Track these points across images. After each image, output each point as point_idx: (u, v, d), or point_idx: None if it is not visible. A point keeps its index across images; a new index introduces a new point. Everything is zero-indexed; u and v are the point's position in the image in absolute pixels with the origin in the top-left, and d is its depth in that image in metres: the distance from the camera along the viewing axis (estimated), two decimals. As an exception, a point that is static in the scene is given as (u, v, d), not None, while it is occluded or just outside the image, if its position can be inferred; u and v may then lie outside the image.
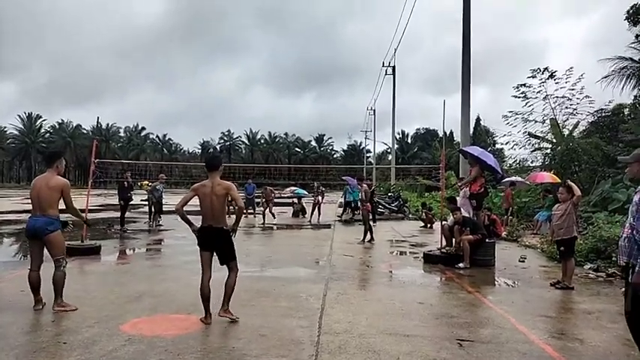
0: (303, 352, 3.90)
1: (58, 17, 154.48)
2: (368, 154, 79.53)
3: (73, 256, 8.56)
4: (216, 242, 4.74)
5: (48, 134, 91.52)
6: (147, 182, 15.90)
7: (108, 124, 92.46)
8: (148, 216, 15.18)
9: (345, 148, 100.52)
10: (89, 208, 8.70)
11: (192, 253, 9.66)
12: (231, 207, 11.15)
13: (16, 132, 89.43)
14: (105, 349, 3.88)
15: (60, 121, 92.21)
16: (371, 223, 12.14)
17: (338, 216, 19.19)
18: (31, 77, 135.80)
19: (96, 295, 5.79)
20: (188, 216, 4.89)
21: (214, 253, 4.81)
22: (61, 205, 5.20)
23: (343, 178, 20.35)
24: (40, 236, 5.04)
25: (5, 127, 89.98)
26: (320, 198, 18.28)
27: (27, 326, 4.47)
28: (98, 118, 75.56)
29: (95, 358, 3.69)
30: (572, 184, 6.73)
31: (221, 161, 4.99)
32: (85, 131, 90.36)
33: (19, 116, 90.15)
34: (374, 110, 52.44)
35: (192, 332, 4.38)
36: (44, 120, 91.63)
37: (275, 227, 15.50)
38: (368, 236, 11.50)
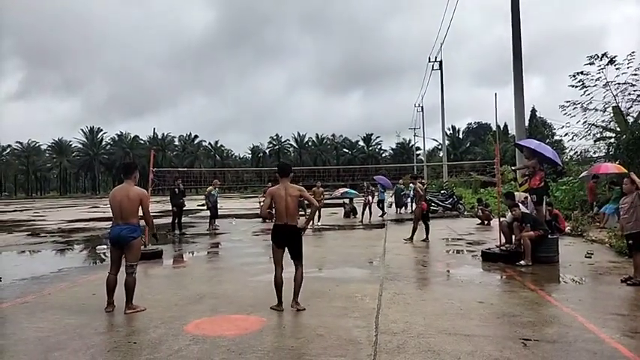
0: (361, 352, 3.90)
1: (113, 33, 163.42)
2: (418, 152, 78.23)
3: (145, 259, 9.03)
4: (289, 239, 5.25)
5: (109, 146, 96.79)
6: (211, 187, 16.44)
7: (163, 134, 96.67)
8: (208, 220, 15.70)
9: (394, 146, 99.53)
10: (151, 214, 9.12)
11: (248, 256, 9.95)
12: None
13: (80, 145, 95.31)
14: (172, 349, 4.06)
15: (119, 133, 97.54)
16: (428, 222, 11.81)
17: (379, 216, 19.14)
18: (91, 93, 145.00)
19: (160, 297, 6.06)
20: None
21: (285, 250, 5.30)
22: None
23: (374, 178, 20.24)
24: (123, 243, 5.32)
25: (70, 141, 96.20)
26: (370, 198, 18.18)
27: (100, 327, 4.75)
28: (154, 129, 79.38)
29: (163, 357, 3.87)
30: (635, 176, 6.32)
31: (291, 168, 5.59)
32: (142, 141, 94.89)
33: (82, 130, 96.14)
34: (422, 107, 51.55)
35: (252, 332, 4.49)
36: (105, 133, 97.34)
37: (327, 228, 15.58)
38: (423, 235, 11.31)
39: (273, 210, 5.39)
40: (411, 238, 11.30)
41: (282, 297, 5.28)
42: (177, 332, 4.53)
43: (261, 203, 19.13)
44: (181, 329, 4.62)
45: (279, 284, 5.27)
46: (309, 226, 5.61)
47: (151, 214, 5.77)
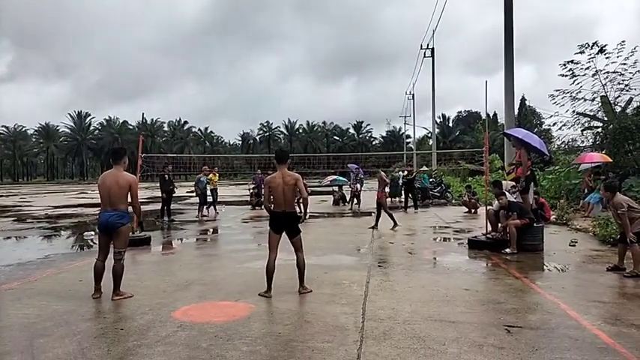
0: (347, 338, 3.95)
1: (104, 17, 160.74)
2: (408, 140, 78.42)
3: (135, 246, 8.99)
4: (287, 224, 5.41)
5: (97, 131, 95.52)
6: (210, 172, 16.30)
7: (152, 120, 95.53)
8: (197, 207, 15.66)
9: (384, 134, 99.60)
10: (139, 201, 9.05)
11: (237, 243, 9.95)
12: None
13: (67, 130, 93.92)
14: (159, 335, 4.07)
15: (107, 118, 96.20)
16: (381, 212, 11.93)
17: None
18: (80, 77, 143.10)
19: (148, 283, 6.06)
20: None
21: (282, 235, 5.46)
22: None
23: (348, 165, 20.21)
24: (111, 229, 5.29)
25: (58, 126, 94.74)
26: (359, 186, 18.23)
27: (87, 313, 4.74)
28: (143, 114, 78.50)
29: (150, 343, 3.88)
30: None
31: (288, 155, 5.63)
32: (131, 127, 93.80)
33: (70, 115, 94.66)
34: (413, 95, 51.52)
35: (240, 319, 4.51)
36: (93, 117, 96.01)
37: (316, 216, 15.61)
38: (390, 223, 11.54)
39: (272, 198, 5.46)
40: (395, 225, 11.53)
41: (272, 284, 5.37)
42: (165, 319, 4.54)
43: (251, 190, 19.10)
44: (169, 316, 4.63)
45: (271, 270, 5.37)
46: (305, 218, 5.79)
47: (140, 200, 5.73)
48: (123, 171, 5.42)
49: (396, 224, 11.56)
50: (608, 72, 16.07)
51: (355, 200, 18.01)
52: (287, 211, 5.34)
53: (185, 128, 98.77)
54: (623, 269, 6.30)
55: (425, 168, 21.53)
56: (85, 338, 4.01)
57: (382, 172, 12.27)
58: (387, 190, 12.48)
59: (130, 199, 5.42)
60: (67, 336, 4.07)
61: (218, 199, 16.96)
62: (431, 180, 24.01)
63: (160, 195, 14.43)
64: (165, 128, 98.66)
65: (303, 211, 5.65)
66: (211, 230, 12.46)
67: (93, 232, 11.17)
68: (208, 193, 16.12)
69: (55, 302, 5.17)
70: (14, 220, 15.22)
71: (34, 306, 5.03)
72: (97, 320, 4.53)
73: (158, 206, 14.99)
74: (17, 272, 6.88)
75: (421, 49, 36.60)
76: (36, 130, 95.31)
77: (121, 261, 5.36)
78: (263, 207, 5.48)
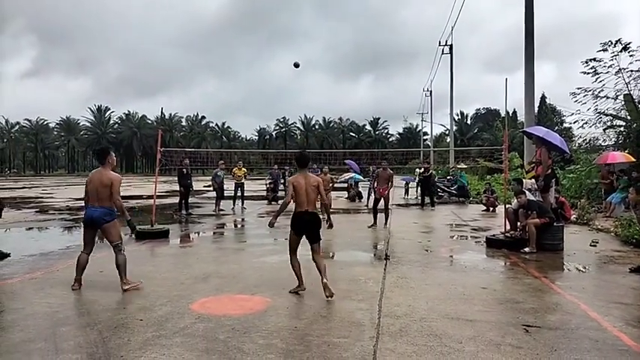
0: (364, 334, 3.95)
1: (127, 13, 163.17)
2: (425, 137, 77.76)
3: (144, 239, 9.13)
4: (310, 226, 5.34)
5: (116, 125, 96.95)
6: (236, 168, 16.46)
7: (171, 114, 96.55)
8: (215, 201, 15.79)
9: (401, 131, 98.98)
10: (157, 194, 9.20)
11: (254, 237, 10.02)
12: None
13: (88, 124, 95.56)
14: (177, 326, 4.13)
15: (127, 113, 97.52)
16: (390, 209, 11.58)
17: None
18: (101, 72, 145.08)
19: (166, 275, 6.14)
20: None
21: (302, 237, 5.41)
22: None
23: (345, 162, 20.00)
24: (96, 225, 5.49)
25: (78, 120, 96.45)
26: (375, 182, 18.13)
27: (107, 304, 4.83)
28: (162, 108, 79.40)
29: (169, 334, 3.94)
30: None
31: (309, 158, 5.71)
32: (149, 121, 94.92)
33: (90, 109, 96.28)
34: (430, 91, 51.00)
35: (257, 312, 4.55)
36: (113, 112, 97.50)
37: (332, 212, 15.61)
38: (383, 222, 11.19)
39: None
40: (373, 225, 11.15)
41: (302, 277, 5.35)
42: (183, 310, 4.60)
43: (267, 185, 19.16)
44: (187, 307, 4.69)
45: (297, 268, 5.38)
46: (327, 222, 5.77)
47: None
48: (109, 170, 5.56)
49: (375, 224, 11.14)
50: (632, 70, 15.71)
51: (372, 197, 17.93)
52: (310, 210, 5.31)
53: (203, 123, 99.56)
54: (646, 271, 6.17)
55: (463, 165, 20.75)
56: (105, 328, 4.09)
57: (389, 169, 11.82)
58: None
59: (112, 197, 5.46)
60: (88, 325, 4.16)
61: (245, 195, 16.95)
62: (448, 177, 23.80)
63: (179, 189, 14.61)
64: (184, 123, 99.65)
65: (326, 217, 5.75)
66: (228, 224, 12.56)
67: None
68: (232, 188, 16.25)
69: (76, 292, 5.28)
70: (37, 212, 15.57)
71: (56, 295, 5.15)
72: (117, 311, 4.61)
73: (176, 200, 15.16)
74: (40, 262, 7.05)
75: (439, 45, 36.22)
76: (57, 124, 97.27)
77: (122, 251, 5.50)
78: (284, 201, 5.42)
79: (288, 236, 5.49)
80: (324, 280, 5.09)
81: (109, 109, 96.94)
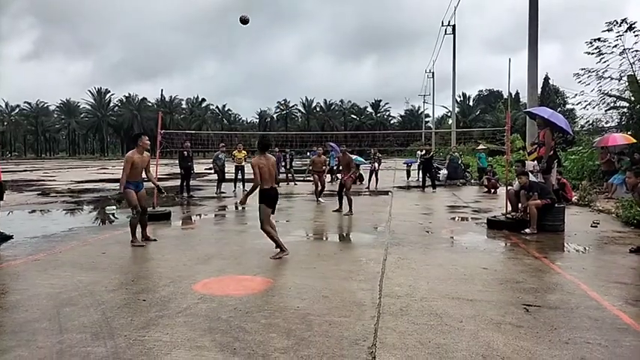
0: (365, 314, 3.98)
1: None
2: (427, 119, 77.38)
3: (151, 221, 9.15)
4: (276, 199, 6.30)
5: (117, 108, 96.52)
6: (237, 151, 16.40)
7: (171, 97, 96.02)
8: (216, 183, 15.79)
9: (403, 113, 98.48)
10: (158, 177, 9.20)
11: (255, 219, 9.97)
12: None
13: (88, 106, 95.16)
14: (180, 307, 4.16)
15: (127, 95, 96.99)
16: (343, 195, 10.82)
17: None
18: (102, 54, 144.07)
19: (169, 257, 6.18)
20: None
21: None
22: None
23: (328, 144, 19.84)
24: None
25: (78, 102, 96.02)
26: (377, 165, 18.14)
27: (110, 285, 4.87)
28: (162, 90, 78.76)
29: (172, 314, 3.97)
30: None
31: (270, 143, 6.86)
32: (150, 104, 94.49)
33: (90, 91, 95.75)
34: (432, 73, 50.59)
35: (259, 292, 4.59)
36: (112, 94, 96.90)
37: (333, 194, 15.63)
38: (346, 208, 10.57)
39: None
40: (350, 210, 10.42)
41: (281, 242, 6.17)
42: (186, 291, 4.64)
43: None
44: (189, 288, 4.72)
45: (274, 234, 6.21)
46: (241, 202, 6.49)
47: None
48: (135, 150, 6.98)
49: (351, 210, 10.40)
50: (637, 50, 15.51)
51: (374, 179, 17.94)
52: (274, 186, 6.25)
53: (203, 106, 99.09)
54: (646, 251, 6.19)
55: (482, 147, 20.05)
56: (109, 308, 4.13)
57: (348, 154, 11.12)
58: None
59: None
60: (91, 306, 4.19)
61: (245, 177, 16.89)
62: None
63: (179, 171, 14.61)
64: (184, 105, 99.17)
65: (246, 194, 6.41)
66: (229, 207, 12.60)
67: (114, 207, 11.40)
68: (233, 170, 16.25)
69: (79, 273, 5.31)
70: (39, 194, 15.60)
71: (59, 277, 5.18)
72: (120, 291, 4.65)
73: (177, 182, 15.18)
74: (43, 244, 7.08)
75: (442, 26, 35.79)
76: (57, 107, 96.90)
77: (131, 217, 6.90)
78: (253, 183, 6.20)
79: (260, 210, 6.17)
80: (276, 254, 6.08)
81: (109, 91, 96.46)
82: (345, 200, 10.67)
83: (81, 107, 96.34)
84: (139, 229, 7.04)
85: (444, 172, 19.29)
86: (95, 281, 4.98)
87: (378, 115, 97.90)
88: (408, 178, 22.00)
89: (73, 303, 4.27)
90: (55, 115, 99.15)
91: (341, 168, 11.27)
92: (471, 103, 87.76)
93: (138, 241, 6.97)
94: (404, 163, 24.02)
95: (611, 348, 3.28)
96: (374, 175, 17.88)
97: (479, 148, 20.08)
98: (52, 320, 3.84)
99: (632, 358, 3.11)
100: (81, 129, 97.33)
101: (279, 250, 6.15)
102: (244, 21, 8.56)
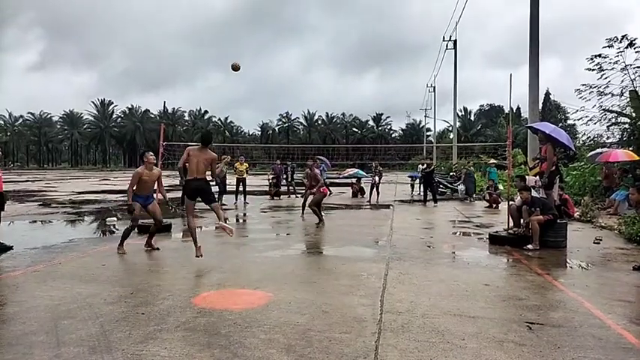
0: (365, 330, 3.93)
1: (134, 7, 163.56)
2: (428, 133, 77.55)
3: (146, 233, 9.13)
4: (198, 190, 6.57)
5: (119, 119, 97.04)
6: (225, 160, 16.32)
7: (174, 109, 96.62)
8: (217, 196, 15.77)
9: (404, 127, 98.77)
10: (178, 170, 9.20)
11: (256, 232, 10.02)
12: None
13: (91, 117, 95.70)
14: (179, 320, 4.12)
15: (130, 107, 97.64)
16: (322, 214, 11.12)
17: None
18: (107, 66, 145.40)
19: (168, 269, 6.14)
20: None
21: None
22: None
23: (318, 158, 19.87)
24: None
25: (81, 114, 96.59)
26: (377, 178, 18.14)
27: (109, 297, 4.83)
28: (165, 102, 79.06)
29: (170, 328, 3.93)
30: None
31: (211, 138, 6.96)
32: (152, 115, 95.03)
33: (93, 102, 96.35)
34: (434, 87, 50.86)
35: (259, 307, 4.54)
36: (115, 105, 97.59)
37: (334, 208, 15.60)
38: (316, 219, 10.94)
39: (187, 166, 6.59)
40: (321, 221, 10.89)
41: (197, 240, 6.56)
42: (185, 304, 4.60)
43: (270, 181, 19.18)
44: (189, 301, 4.68)
45: (193, 230, 6.61)
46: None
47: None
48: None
49: (321, 221, 10.90)
50: (637, 67, 15.59)
51: (375, 192, 17.92)
52: (197, 177, 6.46)
53: (205, 118, 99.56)
54: (650, 269, 6.14)
55: (493, 161, 19.82)
56: (107, 321, 4.08)
57: (316, 170, 11.22)
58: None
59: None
60: (90, 318, 4.15)
61: (247, 189, 16.90)
62: (451, 174, 23.73)
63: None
64: (186, 117, 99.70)
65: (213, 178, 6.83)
66: (230, 219, 12.56)
67: (115, 218, 11.38)
68: (234, 182, 16.24)
69: (78, 285, 5.28)
70: (40, 205, 15.60)
71: (58, 288, 5.15)
72: (119, 304, 4.61)
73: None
74: (42, 255, 7.05)
75: (444, 40, 36.08)
76: (60, 117, 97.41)
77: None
78: (177, 169, 6.84)
79: (184, 202, 6.73)
80: (220, 222, 6.40)
81: (112, 102, 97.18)
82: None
83: (84, 118, 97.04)
84: (138, 239, 7.18)
85: (461, 187, 19.10)
86: (94, 293, 4.94)
87: (380, 128, 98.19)
88: (412, 192, 21.79)
89: (72, 316, 4.23)
90: (58, 126, 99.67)
91: (313, 183, 11.36)
92: (472, 118, 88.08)
93: (122, 249, 7.19)
94: (408, 177, 23.89)
95: (615, 368, 3.22)
96: (375, 189, 17.86)
97: (490, 162, 19.93)
98: (50, 333, 3.80)
99: (637, 379, 3.06)
100: (83, 140, 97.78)
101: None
102: (235, 68, 8.88)
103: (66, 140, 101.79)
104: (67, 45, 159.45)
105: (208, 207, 6.79)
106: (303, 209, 12.40)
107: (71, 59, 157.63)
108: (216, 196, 15.55)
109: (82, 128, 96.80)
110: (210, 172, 6.81)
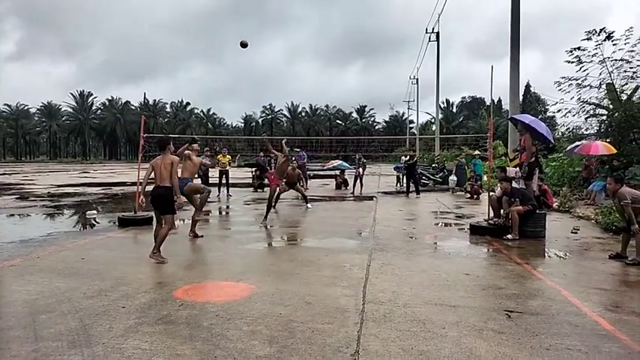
0: (348, 320, 3.96)
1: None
2: (411, 125, 77.98)
3: (128, 226, 9.03)
4: (158, 198, 6.29)
5: (99, 111, 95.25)
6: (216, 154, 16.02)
7: (155, 100, 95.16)
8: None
9: (387, 119, 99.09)
10: (140, 180, 9.04)
11: (239, 224, 9.98)
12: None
13: (69, 109, 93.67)
14: (160, 313, 4.09)
15: (110, 98, 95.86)
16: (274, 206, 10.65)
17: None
18: (87, 57, 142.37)
19: (149, 263, 6.07)
20: None
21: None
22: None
23: (296, 149, 20.01)
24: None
25: (60, 105, 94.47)
26: (361, 170, 18.19)
27: (89, 291, 4.76)
28: (145, 94, 77.84)
29: (151, 321, 3.90)
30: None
31: (167, 142, 6.61)
32: (133, 107, 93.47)
33: (72, 94, 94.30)
34: (417, 79, 51.06)
35: (241, 299, 4.53)
36: (95, 97, 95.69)
37: (318, 199, 15.62)
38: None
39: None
40: (265, 218, 9.97)
41: (159, 245, 6.18)
42: (167, 297, 4.56)
43: (253, 173, 19.03)
44: (170, 295, 4.65)
45: (155, 235, 6.32)
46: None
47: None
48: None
49: (265, 218, 9.94)
50: (615, 59, 15.86)
51: (358, 184, 17.98)
52: (160, 185, 6.25)
53: (187, 109, 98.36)
54: (625, 257, 6.30)
55: (477, 152, 19.67)
56: (87, 315, 4.03)
57: (281, 157, 10.24)
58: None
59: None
60: (69, 313, 4.09)
61: (230, 182, 16.74)
62: (433, 165, 23.93)
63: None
64: (168, 109, 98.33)
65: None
66: (213, 212, 12.48)
67: (95, 212, 11.20)
68: (217, 175, 16.11)
69: (57, 279, 5.19)
70: (17, 198, 15.26)
71: (36, 283, 5.06)
72: (99, 298, 4.55)
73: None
74: (20, 249, 6.91)
75: (426, 32, 36.19)
76: (38, 109, 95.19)
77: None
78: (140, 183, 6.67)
79: None
80: (151, 255, 6.06)
81: (92, 94, 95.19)
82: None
83: (62, 110, 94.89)
84: None
85: (453, 178, 19.13)
86: (73, 287, 4.86)
87: (363, 120, 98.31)
88: (397, 184, 21.58)
89: (50, 310, 4.16)
90: (36, 118, 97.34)
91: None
92: (454, 110, 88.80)
93: (195, 233, 7.97)
94: (394, 169, 23.71)
95: (591, 354, 3.31)
96: (358, 181, 17.91)
97: (475, 154, 20.05)
98: (28, 328, 3.73)
99: (611, 364, 3.15)
100: (62, 132, 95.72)
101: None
102: (244, 45, 9.19)
103: (44, 132, 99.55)
104: (44, 35, 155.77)
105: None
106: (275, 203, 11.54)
107: (49, 50, 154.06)
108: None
109: (61, 120, 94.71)
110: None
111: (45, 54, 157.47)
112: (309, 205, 12.58)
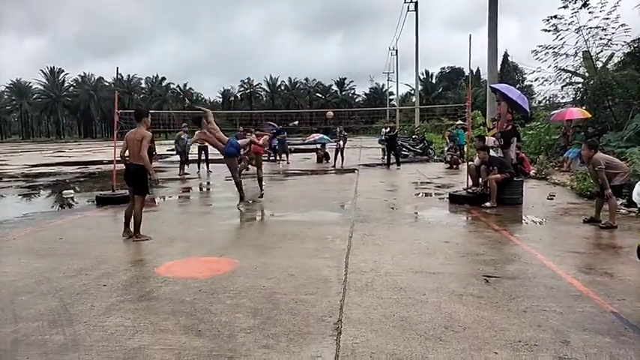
0: (331, 290, 4.01)
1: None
2: (391, 97, 77.87)
3: (106, 205, 8.89)
4: (130, 175, 6.01)
5: (72, 88, 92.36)
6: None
7: (129, 76, 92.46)
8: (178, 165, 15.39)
9: (367, 91, 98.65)
10: (117, 159, 8.88)
11: (220, 200, 9.92)
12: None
13: (41, 87, 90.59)
14: (143, 290, 4.07)
15: (82, 75, 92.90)
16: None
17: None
18: (56, 31, 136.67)
19: (130, 240, 6.01)
20: None
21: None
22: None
23: (267, 123, 20.03)
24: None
25: (30, 83, 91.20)
26: (342, 143, 18.17)
27: (69, 271, 4.70)
28: (117, 68, 74.79)
29: (134, 298, 3.88)
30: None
31: (142, 113, 6.20)
32: (107, 83, 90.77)
33: (42, 71, 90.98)
34: (396, 50, 50.67)
35: (224, 274, 4.54)
36: (67, 74, 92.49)
37: (299, 173, 15.60)
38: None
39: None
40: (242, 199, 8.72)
41: (128, 226, 6.09)
42: (149, 274, 4.54)
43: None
44: (152, 271, 4.63)
45: (128, 214, 6.10)
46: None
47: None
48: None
49: (242, 199, 8.70)
50: (590, 27, 15.95)
51: (339, 157, 17.98)
52: (132, 162, 5.95)
53: (163, 85, 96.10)
54: (598, 221, 6.48)
55: (460, 122, 19.20)
56: (67, 295, 3.99)
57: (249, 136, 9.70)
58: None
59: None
60: (49, 293, 4.04)
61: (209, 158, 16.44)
62: (414, 137, 24.02)
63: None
64: (143, 85, 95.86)
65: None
66: (194, 188, 12.37)
67: (72, 191, 10.99)
68: (196, 151, 15.89)
69: (35, 260, 5.11)
70: (-11, 180, 14.85)
71: (13, 264, 4.97)
72: (79, 277, 4.50)
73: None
74: (-5, 231, 6.76)
75: (404, 2, 35.72)
76: (7, 87, 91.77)
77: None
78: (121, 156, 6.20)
79: None
80: (134, 237, 5.92)
81: (63, 70, 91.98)
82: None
83: (33, 88, 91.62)
84: None
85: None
86: (52, 268, 4.80)
87: (343, 93, 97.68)
88: (383, 157, 21.24)
89: (29, 291, 4.10)
90: (6, 97, 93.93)
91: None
92: (433, 81, 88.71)
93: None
94: (379, 142, 23.29)
95: (565, 314, 3.43)
96: (340, 154, 17.91)
97: (457, 123, 19.90)
98: (6, 309, 3.68)
99: (584, 323, 3.26)
100: (34, 110, 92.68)
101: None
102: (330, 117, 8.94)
103: (15, 111, 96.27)
104: (10, 9, 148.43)
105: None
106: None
107: (16, 25, 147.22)
108: (178, 165, 15.31)
109: (32, 98, 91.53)
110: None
111: (11, 29, 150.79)
112: (241, 206, 8.64)
